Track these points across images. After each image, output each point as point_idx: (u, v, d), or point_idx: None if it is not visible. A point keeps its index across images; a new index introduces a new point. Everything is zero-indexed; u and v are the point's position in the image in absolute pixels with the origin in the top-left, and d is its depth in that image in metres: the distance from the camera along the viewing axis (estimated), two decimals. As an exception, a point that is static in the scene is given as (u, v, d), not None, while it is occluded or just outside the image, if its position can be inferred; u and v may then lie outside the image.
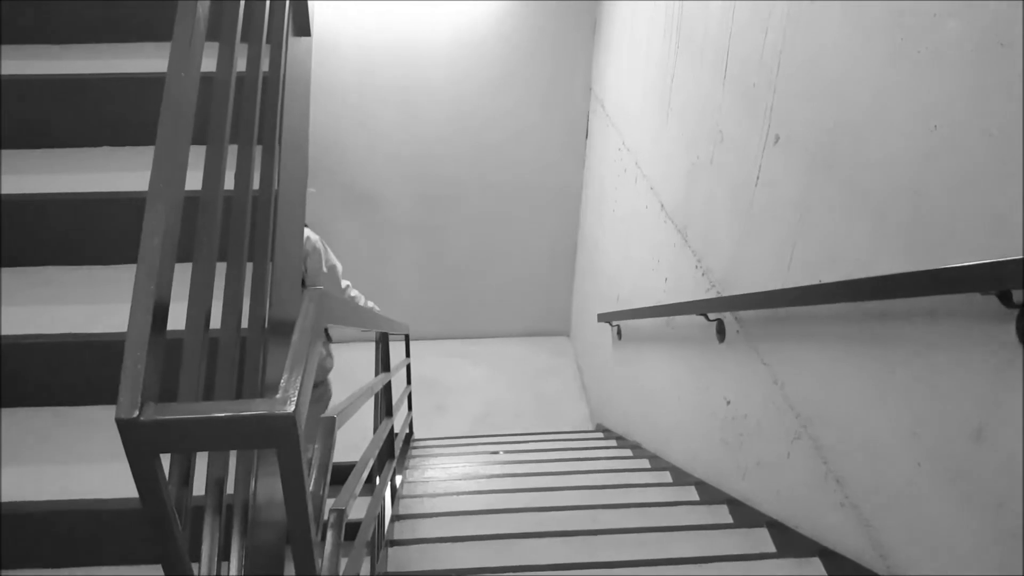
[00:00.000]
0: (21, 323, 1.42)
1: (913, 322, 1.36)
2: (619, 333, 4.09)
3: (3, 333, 1.41)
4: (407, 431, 3.70)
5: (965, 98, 1.20)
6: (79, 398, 1.49)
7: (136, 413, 0.68)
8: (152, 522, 0.76)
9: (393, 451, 2.69)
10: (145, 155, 1.60)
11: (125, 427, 0.68)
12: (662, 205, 3.17)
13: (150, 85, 1.62)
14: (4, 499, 1.29)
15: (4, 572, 1.35)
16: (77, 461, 1.37)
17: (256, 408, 0.69)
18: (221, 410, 0.69)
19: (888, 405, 1.45)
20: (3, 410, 1.46)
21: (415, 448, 4.13)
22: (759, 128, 2.08)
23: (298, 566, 0.90)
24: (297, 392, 0.70)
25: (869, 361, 1.53)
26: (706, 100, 2.58)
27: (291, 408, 0.68)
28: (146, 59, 1.72)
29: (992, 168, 1.13)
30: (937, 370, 1.29)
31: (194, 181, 0.96)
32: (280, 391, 0.71)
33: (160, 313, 0.78)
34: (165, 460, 0.77)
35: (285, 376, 0.73)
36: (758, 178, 2.10)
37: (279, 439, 0.70)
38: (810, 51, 1.78)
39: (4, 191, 1.53)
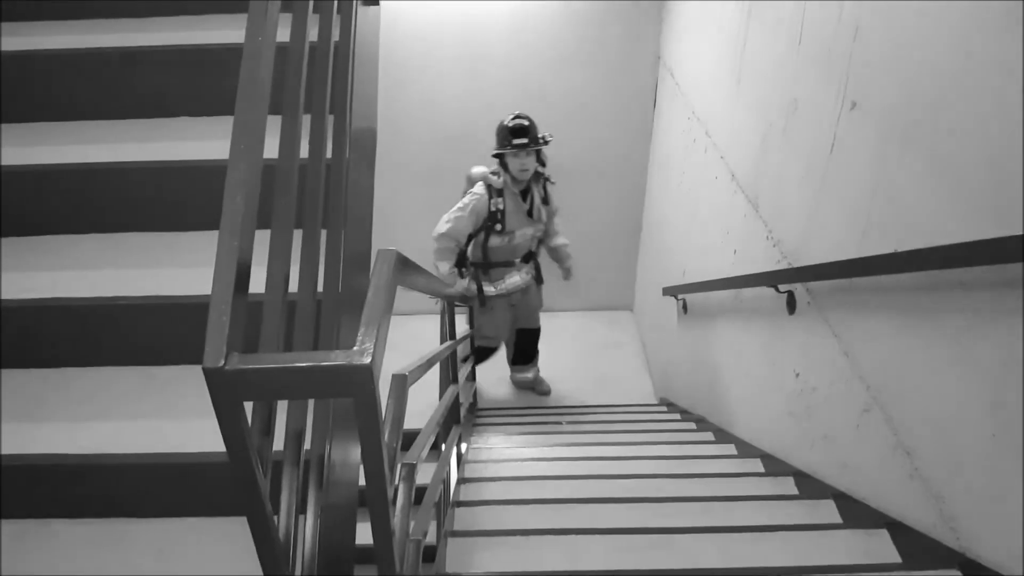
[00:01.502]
0: (109, 286, 1.50)
1: (990, 291, 1.30)
2: (684, 307, 4.03)
3: (91, 295, 1.50)
4: (471, 400, 3.78)
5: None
6: (165, 358, 1.58)
7: (221, 362, 0.72)
8: (236, 470, 0.81)
9: (459, 417, 2.75)
10: (222, 124, 1.67)
11: (211, 375, 0.73)
12: (733, 175, 3.09)
13: (227, 55, 1.69)
14: (95, 451, 1.38)
15: (93, 519, 1.44)
16: (163, 417, 1.45)
17: (335, 359, 0.72)
18: (302, 360, 0.73)
19: (963, 376, 1.40)
20: (93, 368, 1.56)
21: (479, 417, 4.20)
22: (834, 95, 2.01)
23: (373, 516, 0.94)
24: (373, 345, 0.74)
25: (944, 331, 1.48)
26: (779, 67, 2.50)
27: (368, 359, 0.71)
28: (217, 31, 1.78)
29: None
30: (1011, 339, 1.23)
31: (270, 151, 1.00)
32: (357, 344, 0.74)
33: (243, 271, 0.82)
34: (248, 412, 0.82)
35: (362, 330, 0.76)
36: (833, 146, 2.03)
37: (356, 389, 0.73)
38: (889, 16, 1.70)
39: (89, 159, 1.61)
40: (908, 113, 1.61)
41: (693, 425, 3.68)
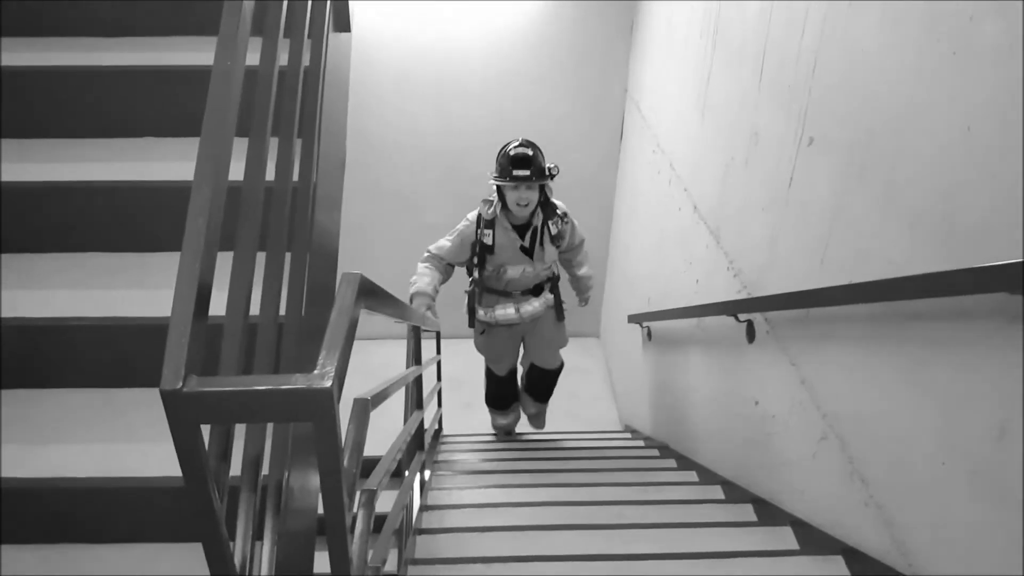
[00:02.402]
0: (70, 306, 1.48)
1: (941, 322, 1.35)
2: (649, 335, 4.08)
3: (52, 315, 1.47)
4: (436, 427, 3.74)
5: (999, 100, 1.19)
6: (124, 380, 1.55)
7: (180, 384, 0.72)
8: (191, 494, 0.80)
9: (423, 444, 2.73)
10: (187, 146, 1.66)
11: (169, 398, 0.72)
12: (695, 206, 3.16)
13: (195, 77, 1.69)
14: (50, 475, 1.35)
15: (49, 546, 1.41)
16: (120, 440, 1.43)
17: (294, 382, 0.72)
18: (260, 383, 0.73)
19: (913, 405, 1.45)
20: (49, 390, 1.52)
21: (444, 444, 4.17)
22: (794, 129, 2.08)
23: (331, 544, 0.93)
24: (334, 368, 0.74)
25: (897, 361, 1.52)
26: (742, 102, 2.57)
27: (328, 383, 0.72)
28: (189, 52, 1.78)
29: (1026, 167, 1.12)
30: (963, 369, 1.28)
31: (236, 173, 1.00)
32: (318, 367, 0.74)
33: (203, 293, 0.82)
34: (205, 435, 0.81)
35: (323, 353, 0.77)
36: (791, 179, 2.09)
37: (316, 413, 0.73)
38: (845, 53, 1.78)
39: (51, 178, 1.59)
40: (863, 148, 1.67)
41: (656, 452, 3.71)
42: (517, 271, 3.20)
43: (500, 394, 4.05)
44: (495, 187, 3.05)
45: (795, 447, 2.06)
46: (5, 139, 1.74)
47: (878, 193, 1.59)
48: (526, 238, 3.14)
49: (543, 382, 3.95)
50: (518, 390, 4.11)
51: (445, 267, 3.19)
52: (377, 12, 4.85)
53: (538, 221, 3.13)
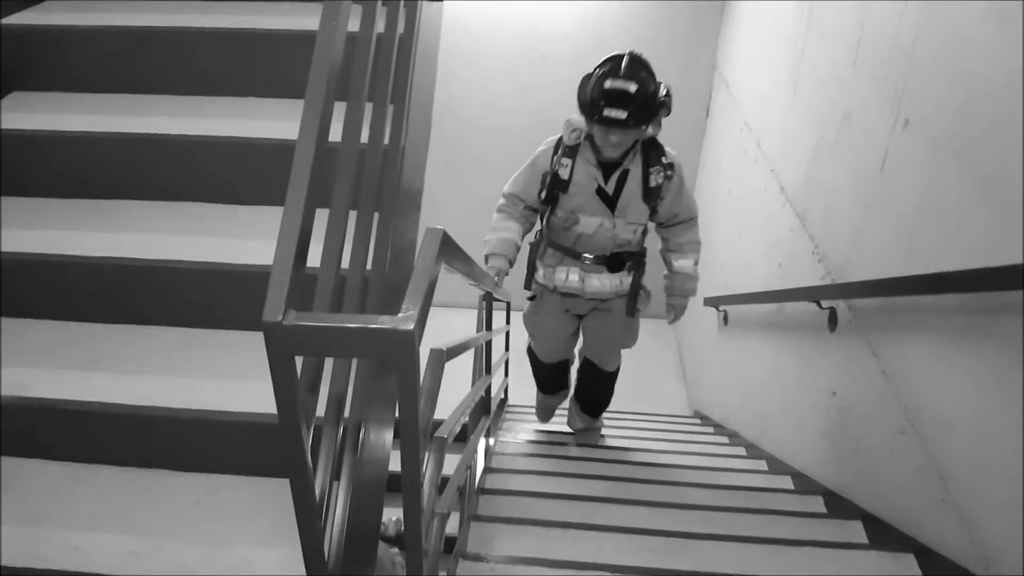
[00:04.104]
0: (174, 250, 1.59)
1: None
2: (725, 319, 4.01)
3: (157, 257, 1.59)
4: (502, 396, 3.81)
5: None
6: (217, 322, 1.66)
7: (280, 317, 0.78)
8: (283, 424, 0.87)
9: (489, 408, 2.80)
10: (285, 106, 1.75)
11: (269, 329, 0.78)
12: (782, 187, 3.08)
13: (295, 41, 1.77)
14: (141, 403, 1.46)
15: (136, 468, 1.51)
16: (204, 376, 1.53)
17: (382, 322, 0.77)
18: (352, 321, 0.79)
19: (1002, 403, 1.39)
20: (151, 327, 1.65)
21: (509, 413, 4.25)
22: (888, 111, 2.00)
23: (405, 482, 0.98)
24: (417, 313, 0.79)
25: (986, 357, 1.46)
26: (835, 81, 2.48)
27: (411, 325, 0.76)
28: (291, 17, 1.86)
29: None
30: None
31: (334, 135, 1.06)
32: (402, 311, 0.79)
33: (303, 238, 0.88)
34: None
35: (407, 299, 0.81)
36: (884, 162, 2.02)
37: (399, 352, 0.78)
38: (945, 35, 1.70)
39: (163, 131, 1.71)
40: (959, 133, 1.60)
41: (725, 439, 3.67)
42: (592, 224, 2.36)
43: (547, 379, 3.10)
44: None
45: (872, 440, 2.01)
46: (120, 93, 1.87)
47: (974, 181, 1.53)
48: (611, 181, 2.31)
49: (593, 386, 3.01)
50: (568, 378, 3.14)
51: (524, 211, 2.47)
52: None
53: (634, 164, 2.29)
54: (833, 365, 2.35)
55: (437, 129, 2.09)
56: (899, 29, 1.97)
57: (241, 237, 1.64)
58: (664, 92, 2.16)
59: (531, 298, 2.69)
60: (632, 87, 2.06)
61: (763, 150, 3.48)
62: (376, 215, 1.29)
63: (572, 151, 2.31)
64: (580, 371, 3.00)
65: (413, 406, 0.85)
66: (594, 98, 2.11)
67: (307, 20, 1.75)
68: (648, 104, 2.11)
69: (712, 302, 4.06)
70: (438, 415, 1.31)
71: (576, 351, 2.99)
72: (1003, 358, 1.41)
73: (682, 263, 2.52)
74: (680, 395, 5.45)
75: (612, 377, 2.96)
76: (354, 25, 1.14)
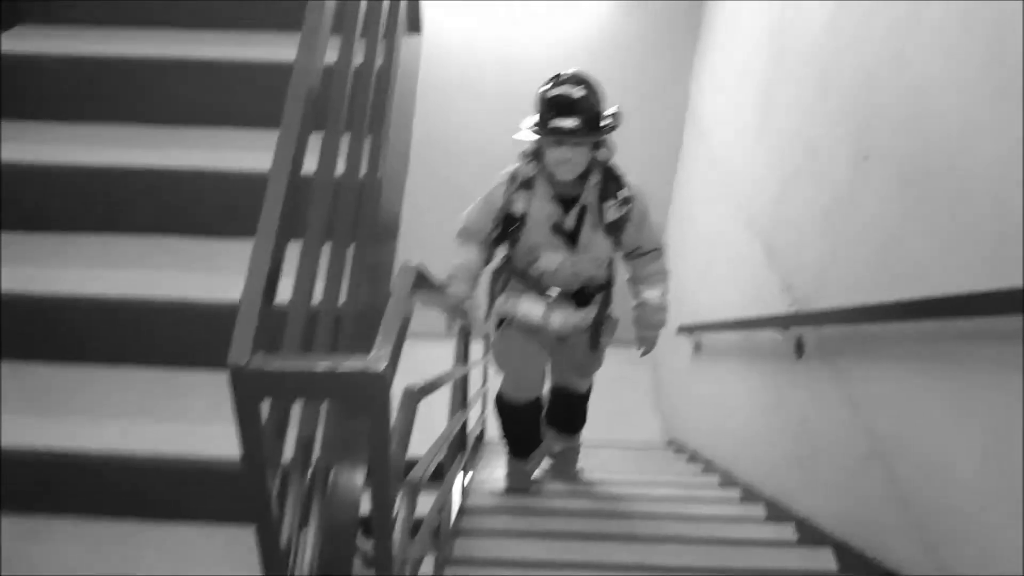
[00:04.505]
0: (141, 286, 1.54)
1: (991, 344, 1.32)
2: (698, 347, 4.04)
3: (121, 294, 1.53)
4: (479, 431, 3.76)
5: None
6: (183, 361, 1.60)
7: (246, 360, 0.76)
8: (248, 469, 0.84)
9: (465, 444, 2.76)
10: (261, 137, 1.72)
11: (236, 373, 0.76)
12: (750, 219, 3.13)
13: (274, 72, 1.75)
14: (104, 449, 1.39)
15: (95, 519, 1.44)
16: (172, 420, 1.46)
17: (351, 364, 0.76)
18: (320, 363, 0.77)
19: (964, 428, 1.42)
20: (117, 367, 1.58)
21: (486, 448, 4.20)
22: (851, 146, 2.05)
23: (377, 527, 0.96)
24: (389, 354, 0.77)
25: (947, 382, 1.49)
26: (801, 117, 2.54)
27: (383, 366, 0.75)
28: (267, 47, 1.84)
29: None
30: (1012, 394, 1.25)
31: (309, 166, 1.04)
32: (373, 351, 0.78)
33: (272, 278, 0.86)
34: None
35: (379, 339, 0.80)
36: (847, 195, 2.06)
37: (369, 395, 0.77)
38: (904, 74, 1.76)
39: (129, 163, 1.67)
40: (920, 166, 1.65)
41: (700, 468, 3.66)
42: (553, 261, 2.23)
43: (520, 434, 2.75)
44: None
45: (839, 466, 2.02)
46: (90, 123, 1.83)
47: (933, 211, 1.57)
48: (569, 216, 2.16)
49: (566, 409, 2.86)
50: (541, 431, 2.82)
51: (483, 241, 2.29)
52: (445, 12, 4.93)
53: (591, 197, 2.15)
54: (801, 392, 2.37)
55: (416, 158, 2.08)
56: (862, 65, 2.02)
57: (213, 271, 1.59)
58: (612, 109, 2.08)
59: (499, 324, 2.47)
60: (577, 92, 1.99)
61: (731, 184, 3.55)
62: (351, 247, 1.28)
63: (528, 184, 2.17)
64: (552, 400, 2.84)
65: (384, 449, 0.83)
66: (541, 112, 2.03)
67: (284, 51, 1.74)
68: (596, 112, 2.02)
69: (684, 330, 4.09)
70: (413, 452, 1.28)
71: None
72: (961, 382, 1.44)
73: (649, 294, 2.40)
74: (655, 424, 5.45)
75: (584, 398, 2.82)
76: (332, 57, 1.13)
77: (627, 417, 5.42)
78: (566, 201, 2.15)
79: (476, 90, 5.25)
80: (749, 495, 2.83)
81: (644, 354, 2.55)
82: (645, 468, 3.75)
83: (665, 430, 5.25)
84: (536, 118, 2.06)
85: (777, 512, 2.50)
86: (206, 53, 1.82)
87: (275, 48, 1.77)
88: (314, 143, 1.09)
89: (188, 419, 1.45)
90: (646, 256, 2.34)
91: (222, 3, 1.96)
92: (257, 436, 0.80)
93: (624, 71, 5.15)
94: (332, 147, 1.09)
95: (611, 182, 2.15)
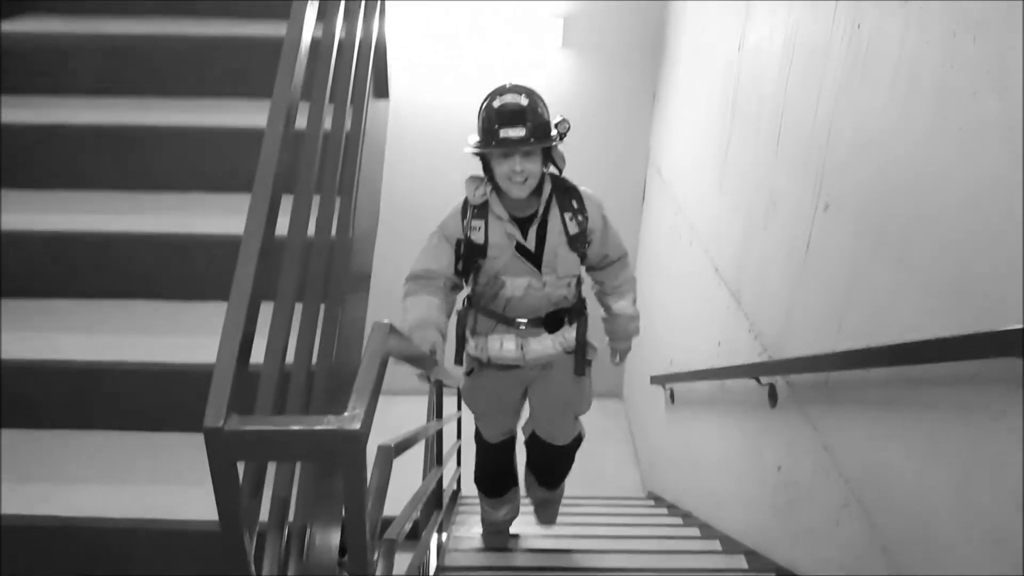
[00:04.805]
0: (114, 351, 1.54)
1: (957, 388, 1.36)
2: (672, 397, 4.06)
3: (95, 359, 1.53)
4: (455, 487, 3.71)
5: (1004, 172, 1.23)
6: (158, 425, 1.59)
7: (221, 423, 0.77)
8: (225, 531, 0.84)
9: (441, 502, 2.72)
10: (231, 201, 1.75)
11: (211, 435, 0.77)
12: (716, 268, 3.20)
13: (244, 137, 1.80)
14: (82, 514, 1.38)
15: None
16: (149, 483, 1.46)
17: (326, 423, 0.76)
18: (295, 423, 0.78)
19: (933, 472, 1.44)
20: (91, 432, 1.57)
21: (462, 505, 4.13)
22: (810, 196, 2.13)
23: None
24: (363, 412, 0.78)
25: (915, 426, 1.52)
26: (759, 168, 2.64)
27: (357, 425, 0.76)
28: (239, 113, 1.89)
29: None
30: (980, 436, 1.29)
31: (281, 227, 1.07)
32: (348, 410, 0.79)
33: (246, 339, 0.88)
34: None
35: (353, 397, 0.81)
36: (808, 244, 2.13)
37: (345, 454, 0.77)
38: (858, 125, 1.84)
39: (100, 228, 1.68)
40: (878, 214, 1.71)
41: (679, 520, 3.64)
42: (519, 286, 2.09)
43: (493, 472, 2.66)
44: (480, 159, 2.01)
45: (818, 514, 2.03)
46: (61, 190, 1.85)
47: (892, 258, 1.63)
48: (529, 234, 2.04)
49: (551, 463, 2.64)
50: (516, 468, 2.73)
51: (443, 287, 2.09)
52: (411, 76, 5.07)
53: (551, 214, 2.06)
54: (777, 440, 2.39)
55: (385, 217, 2.12)
56: (815, 117, 2.12)
57: (185, 334, 1.60)
58: (557, 118, 2.00)
59: (468, 373, 2.33)
60: (523, 100, 1.91)
61: (696, 233, 3.64)
62: (322, 306, 1.29)
63: (482, 211, 2.04)
64: (529, 447, 2.60)
65: (360, 508, 0.83)
66: (486, 126, 1.91)
67: (255, 117, 1.78)
68: (544, 120, 1.93)
69: (658, 380, 4.11)
70: (388, 511, 1.27)
71: (520, 427, 2.61)
72: (928, 426, 1.47)
73: (621, 304, 2.32)
74: (633, 476, 5.42)
75: (571, 450, 2.57)
76: (301, 122, 1.17)
77: (605, 470, 5.39)
78: (523, 221, 2.05)
79: (442, 150, 5.36)
80: (730, 546, 2.82)
81: (619, 363, 2.46)
82: (625, 521, 3.71)
83: (644, 482, 5.22)
84: (482, 131, 1.94)
85: (758, 563, 2.49)
86: (179, 120, 1.85)
87: (246, 115, 1.82)
88: (286, 205, 1.12)
89: (163, 482, 1.44)
90: (615, 264, 2.28)
91: (194, 72, 2.00)
92: (234, 497, 0.80)
93: (588, 125, 5.31)
94: (303, 208, 1.12)
95: (565, 193, 2.09)
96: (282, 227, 1.09)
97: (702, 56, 3.75)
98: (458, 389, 2.77)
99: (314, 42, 1.17)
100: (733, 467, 2.91)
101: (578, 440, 2.56)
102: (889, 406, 1.66)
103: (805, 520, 2.14)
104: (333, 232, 1.31)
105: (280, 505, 1.06)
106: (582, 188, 2.13)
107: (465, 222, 2.05)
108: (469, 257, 2.07)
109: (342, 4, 1.33)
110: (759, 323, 2.59)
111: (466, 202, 2.07)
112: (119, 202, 1.82)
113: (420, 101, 5.19)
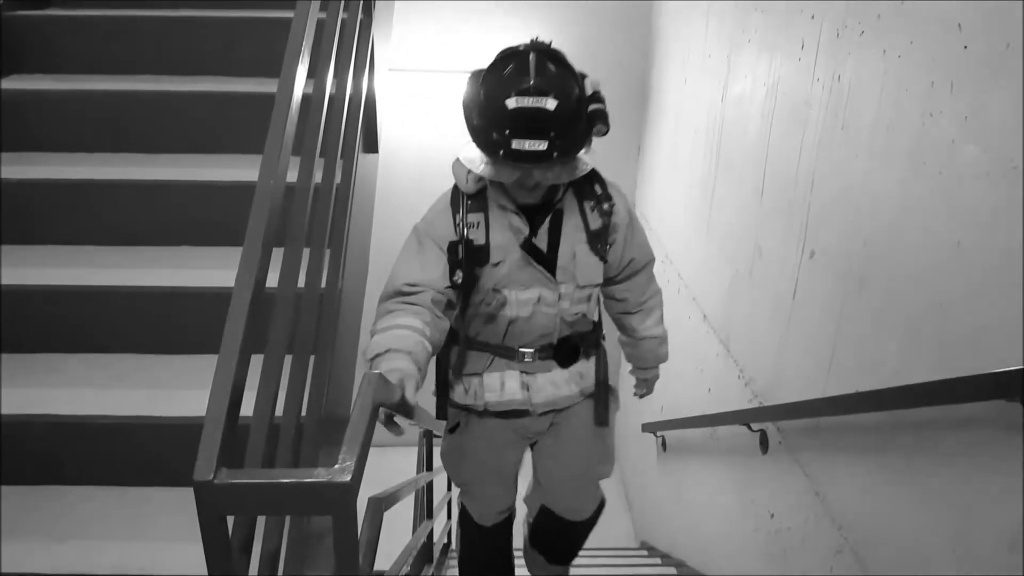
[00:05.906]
0: (102, 404, 1.53)
1: (945, 431, 1.37)
2: (664, 444, 4.04)
3: (78, 413, 1.52)
4: (445, 541, 3.64)
5: (983, 218, 1.27)
6: (150, 479, 1.57)
7: (211, 476, 0.76)
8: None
9: (431, 556, 2.68)
10: (219, 255, 1.76)
11: (200, 488, 0.76)
12: (704, 316, 3.23)
13: (235, 192, 1.82)
14: (63, 572, 1.35)
15: None
16: (133, 539, 1.43)
17: (317, 476, 0.76)
18: (286, 476, 0.77)
19: (925, 516, 1.44)
20: (80, 487, 1.55)
21: (452, 559, 4.04)
22: (795, 243, 2.17)
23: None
24: (354, 464, 0.78)
25: (906, 471, 1.53)
26: (745, 217, 2.69)
27: (348, 477, 0.76)
28: (230, 168, 1.92)
29: (1012, 281, 1.18)
30: (970, 479, 1.29)
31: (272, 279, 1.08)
32: (339, 462, 0.78)
33: (236, 392, 0.88)
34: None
35: (344, 449, 0.81)
36: (795, 291, 2.16)
37: (336, 506, 0.77)
38: (839, 175, 1.89)
39: (91, 282, 1.69)
40: (861, 261, 1.75)
41: (673, 570, 3.57)
42: (527, 302, 1.56)
43: (484, 562, 2.09)
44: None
45: (811, 561, 2.01)
46: (50, 245, 1.85)
47: (877, 304, 1.65)
48: (540, 229, 1.53)
49: (563, 539, 2.06)
50: (512, 556, 2.14)
51: (430, 305, 1.43)
52: (401, 129, 5.16)
53: (568, 201, 1.56)
54: (768, 487, 2.38)
55: (375, 267, 2.15)
56: (799, 165, 2.18)
57: (175, 388, 1.59)
58: (591, 91, 1.39)
59: (451, 430, 1.74)
60: (550, 103, 1.28)
61: (684, 280, 3.67)
62: (312, 358, 1.30)
63: (479, 200, 1.50)
64: (538, 525, 2.02)
65: (352, 562, 0.82)
66: (493, 125, 1.32)
67: (246, 172, 1.81)
68: (574, 122, 1.34)
69: (649, 428, 4.09)
70: (378, 566, 1.25)
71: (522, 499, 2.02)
72: (920, 471, 1.48)
73: (648, 324, 1.83)
74: (626, 525, 5.33)
75: (594, 521, 1.97)
76: (292, 176, 1.19)
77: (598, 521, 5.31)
78: (530, 211, 1.51)
79: (430, 200, 5.43)
80: (725, 595, 2.77)
81: (645, 395, 2.03)
82: (617, 573, 3.63)
83: (636, 531, 5.14)
84: (483, 131, 1.35)
85: (753, 612, 2.45)
86: (172, 175, 1.88)
87: (237, 169, 1.85)
88: (277, 257, 1.13)
89: (151, 537, 1.42)
90: (641, 273, 1.74)
91: (187, 128, 2.04)
92: (223, 552, 0.79)
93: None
94: (293, 261, 1.13)
95: (585, 179, 1.49)
96: (271, 280, 1.11)
97: (686, 108, 3.85)
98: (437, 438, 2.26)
99: (305, 98, 1.20)
100: (726, 515, 2.88)
101: (601, 507, 1.96)
102: (878, 451, 1.66)
103: (799, 567, 2.11)
104: (323, 284, 1.32)
105: (270, 559, 1.04)
106: (607, 178, 1.61)
107: (459, 218, 1.49)
108: (471, 263, 1.48)
109: (332, 63, 1.37)
110: (749, 369, 2.60)
111: (457, 191, 1.53)
112: (107, 255, 1.83)
113: (408, 153, 5.28)
